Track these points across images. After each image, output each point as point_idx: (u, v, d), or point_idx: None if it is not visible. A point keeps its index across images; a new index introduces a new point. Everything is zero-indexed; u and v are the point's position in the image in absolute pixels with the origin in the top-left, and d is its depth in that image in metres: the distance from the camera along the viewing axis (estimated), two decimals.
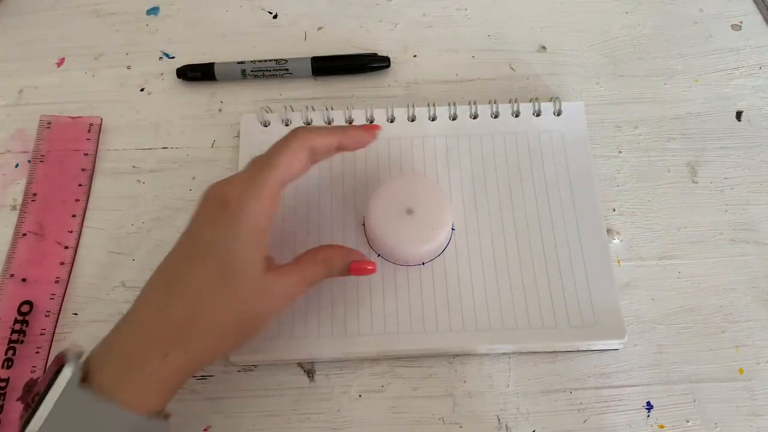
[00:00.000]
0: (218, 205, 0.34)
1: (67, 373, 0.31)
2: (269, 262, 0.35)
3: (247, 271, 0.34)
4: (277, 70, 0.49)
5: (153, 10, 0.54)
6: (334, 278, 0.39)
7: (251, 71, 0.49)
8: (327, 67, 0.50)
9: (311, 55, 0.50)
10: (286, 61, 0.49)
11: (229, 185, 0.35)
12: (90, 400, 0.31)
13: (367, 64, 0.50)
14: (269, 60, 0.49)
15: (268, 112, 0.47)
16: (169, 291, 0.34)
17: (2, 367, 0.41)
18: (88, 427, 0.31)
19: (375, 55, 0.50)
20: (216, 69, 0.50)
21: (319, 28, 0.53)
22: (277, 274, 0.35)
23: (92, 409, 0.31)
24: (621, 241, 0.45)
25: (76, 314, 0.43)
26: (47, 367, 0.33)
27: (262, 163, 0.35)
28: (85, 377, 0.32)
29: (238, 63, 0.50)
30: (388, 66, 0.50)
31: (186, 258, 0.35)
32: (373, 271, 0.39)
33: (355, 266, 0.38)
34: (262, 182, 0.34)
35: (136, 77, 0.51)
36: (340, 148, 0.38)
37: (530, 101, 0.47)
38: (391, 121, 0.47)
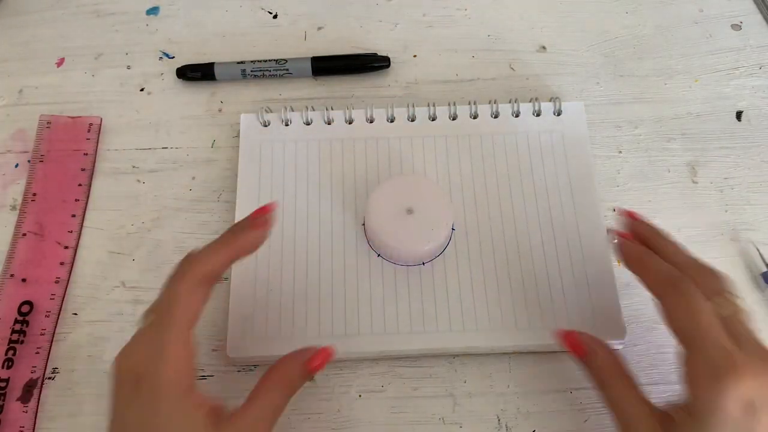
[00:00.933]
0: (131, 384, 0.30)
1: None
2: (215, 414, 0.31)
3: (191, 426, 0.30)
4: (277, 70, 0.49)
5: (153, 10, 0.54)
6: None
7: (251, 71, 0.49)
8: (327, 67, 0.50)
9: (311, 55, 0.50)
10: (286, 61, 0.49)
11: (135, 356, 0.31)
12: None
13: (367, 64, 0.50)
14: (269, 60, 0.49)
15: (268, 112, 0.47)
16: None
17: (2, 367, 0.41)
18: None
19: (375, 55, 0.50)
20: (216, 69, 0.50)
21: (319, 28, 0.53)
22: (228, 424, 0.31)
23: None
24: None
25: (76, 314, 0.43)
26: None
27: (159, 318, 0.32)
28: None
29: (238, 63, 0.50)
30: (388, 66, 0.50)
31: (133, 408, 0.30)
32: (333, 354, 0.36)
33: (313, 364, 0.35)
34: (165, 343, 0.30)
35: (136, 77, 0.51)
36: (236, 260, 0.35)
37: (530, 101, 0.47)
38: (391, 121, 0.47)
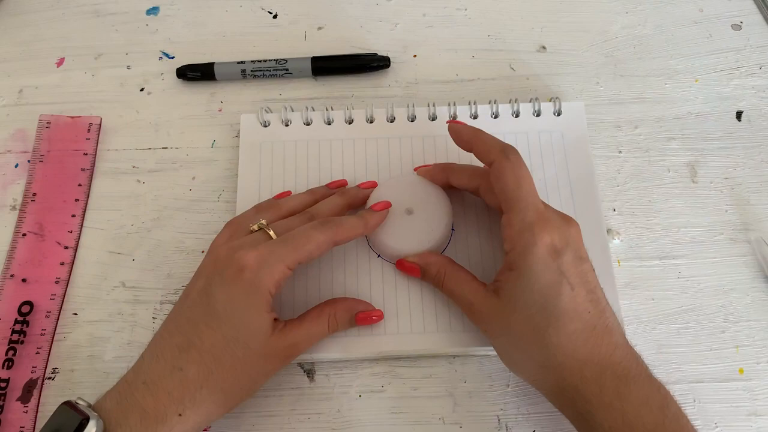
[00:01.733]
0: (234, 270, 0.35)
1: (92, 428, 0.32)
2: (275, 324, 0.37)
3: (258, 336, 0.35)
4: (276, 70, 0.49)
5: (153, 10, 0.54)
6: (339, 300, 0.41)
7: (251, 71, 0.49)
8: (327, 67, 0.50)
9: (311, 55, 0.50)
10: (285, 61, 0.49)
11: (246, 253, 0.36)
12: None
13: (367, 64, 0.50)
14: (269, 60, 0.49)
15: (268, 112, 0.47)
16: (184, 351, 0.35)
17: (2, 367, 0.41)
18: None
19: (375, 55, 0.50)
20: (216, 69, 0.50)
21: (319, 28, 0.53)
22: (282, 334, 0.37)
23: None
24: (621, 241, 0.45)
25: (75, 314, 0.43)
26: (52, 416, 0.33)
27: (287, 240, 0.36)
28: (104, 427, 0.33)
29: (238, 63, 0.50)
30: (388, 66, 0.50)
31: (200, 318, 0.35)
32: (379, 318, 0.40)
33: (361, 317, 0.40)
34: (280, 259, 0.36)
35: (136, 77, 0.51)
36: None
37: (530, 101, 0.47)
38: (391, 121, 0.47)
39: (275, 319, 0.37)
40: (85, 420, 0.32)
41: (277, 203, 0.41)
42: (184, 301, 0.37)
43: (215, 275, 0.36)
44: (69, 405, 0.33)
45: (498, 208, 0.37)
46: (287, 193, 0.43)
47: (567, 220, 0.36)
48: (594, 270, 0.36)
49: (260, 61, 0.50)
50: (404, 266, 0.41)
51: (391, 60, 0.51)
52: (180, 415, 0.33)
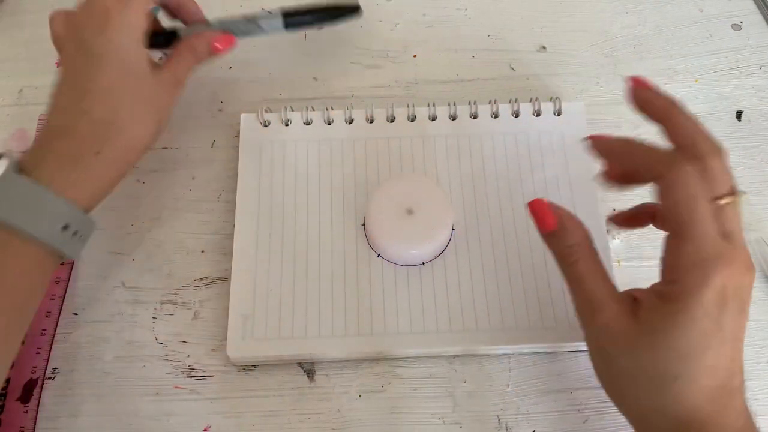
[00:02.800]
0: (100, 15, 0.38)
1: (3, 162, 0.35)
2: (151, 60, 0.40)
3: (142, 65, 0.39)
4: (247, 27, 0.46)
5: (153, 10, 0.54)
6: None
7: (221, 29, 0.46)
8: (299, 21, 0.46)
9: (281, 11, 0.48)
10: (256, 16, 0.46)
11: None
12: (28, 187, 0.34)
13: (336, 13, 0.47)
14: (238, 19, 0.46)
15: (268, 112, 0.47)
16: (84, 95, 0.37)
17: None
18: (26, 212, 0.34)
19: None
20: (182, 33, 0.46)
21: (319, 28, 0.53)
22: (161, 68, 0.41)
23: (30, 195, 0.34)
24: (621, 241, 0.45)
25: (75, 314, 0.43)
26: None
27: None
28: (20, 172, 0.35)
29: (207, 25, 0.46)
30: (358, 11, 0.47)
31: (85, 69, 0.38)
32: (232, 42, 0.44)
33: (215, 43, 0.43)
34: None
35: None
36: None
37: (530, 101, 0.47)
38: (391, 121, 0.47)
39: (150, 58, 0.40)
40: None
41: None
42: (60, 75, 0.39)
43: (82, 30, 0.38)
44: None
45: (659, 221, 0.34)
46: None
47: (747, 266, 0.30)
48: (747, 321, 0.31)
49: (229, 20, 0.46)
50: (538, 209, 0.34)
51: (392, 60, 0.51)
52: (97, 153, 0.36)
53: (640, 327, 0.31)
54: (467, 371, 0.41)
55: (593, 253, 0.33)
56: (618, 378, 0.33)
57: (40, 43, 0.52)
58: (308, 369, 0.41)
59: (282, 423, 0.40)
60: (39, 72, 0.51)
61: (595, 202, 0.44)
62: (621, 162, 0.34)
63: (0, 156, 0.34)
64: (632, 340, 0.31)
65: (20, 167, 0.35)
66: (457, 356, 0.41)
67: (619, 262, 0.44)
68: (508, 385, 0.41)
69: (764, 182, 0.46)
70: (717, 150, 0.31)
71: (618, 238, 0.45)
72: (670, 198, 0.30)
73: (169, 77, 0.41)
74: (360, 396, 0.40)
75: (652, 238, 0.44)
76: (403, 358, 0.41)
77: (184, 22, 0.45)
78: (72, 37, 0.39)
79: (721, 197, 0.30)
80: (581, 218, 0.43)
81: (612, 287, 0.33)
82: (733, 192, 0.30)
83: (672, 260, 0.30)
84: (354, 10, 0.47)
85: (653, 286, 0.32)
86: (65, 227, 0.35)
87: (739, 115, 0.49)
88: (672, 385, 0.30)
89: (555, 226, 0.33)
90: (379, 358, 0.41)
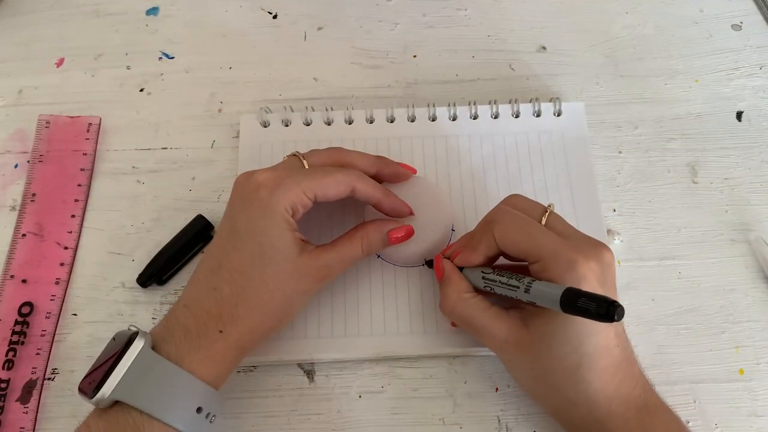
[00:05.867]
0: (251, 189, 0.36)
1: (139, 343, 0.33)
2: (304, 245, 0.37)
3: (284, 253, 0.36)
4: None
5: (153, 10, 0.54)
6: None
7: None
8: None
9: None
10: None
11: (263, 174, 0.37)
12: (162, 365, 0.33)
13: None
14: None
15: (268, 112, 0.47)
16: (216, 274, 0.36)
17: (3, 368, 0.41)
18: (161, 389, 0.33)
19: None
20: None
21: (319, 28, 0.53)
22: (312, 255, 0.37)
23: (164, 373, 0.33)
24: (621, 241, 0.45)
25: (75, 315, 0.43)
26: (105, 349, 0.35)
27: (307, 171, 0.38)
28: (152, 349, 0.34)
29: None
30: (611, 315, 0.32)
31: (226, 241, 0.37)
32: (410, 234, 0.40)
33: (393, 234, 0.40)
34: (296, 182, 0.36)
35: (135, 77, 0.51)
36: (375, 206, 0.40)
37: (530, 102, 0.47)
38: (391, 121, 0.47)
39: (304, 241, 0.37)
40: (134, 335, 0.34)
41: (318, 149, 0.41)
42: (216, 232, 0.39)
43: (235, 199, 0.37)
44: (120, 333, 0.35)
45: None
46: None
47: (597, 247, 0.35)
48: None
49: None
50: (435, 263, 0.40)
51: (391, 60, 0.51)
52: (220, 331, 0.35)
53: (533, 334, 0.35)
54: (467, 372, 0.41)
55: (468, 296, 0.37)
56: (531, 386, 0.37)
57: (40, 43, 0.53)
58: (308, 370, 0.41)
59: (282, 423, 0.40)
60: (39, 72, 0.51)
61: (595, 202, 0.44)
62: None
63: (135, 333, 0.34)
64: (529, 345, 0.35)
65: (153, 338, 0.35)
66: (457, 357, 0.41)
67: (619, 262, 0.44)
68: (508, 386, 0.41)
69: (764, 182, 0.46)
70: (512, 196, 0.38)
71: (618, 239, 0.45)
72: (514, 242, 0.36)
73: (320, 267, 0.37)
74: (360, 397, 0.40)
75: (652, 239, 0.45)
76: (403, 358, 0.41)
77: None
78: (230, 201, 0.38)
79: (540, 217, 0.36)
80: (582, 218, 0.44)
81: (497, 312, 0.36)
82: (545, 209, 0.37)
83: (544, 276, 0.34)
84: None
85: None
86: (198, 410, 0.34)
87: (739, 115, 0.49)
88: (576, 373, 0.34)
89: (441, 277, 0.39)
90: (379, 359, 0.41)
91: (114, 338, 0.35)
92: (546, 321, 0.34)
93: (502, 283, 0.36)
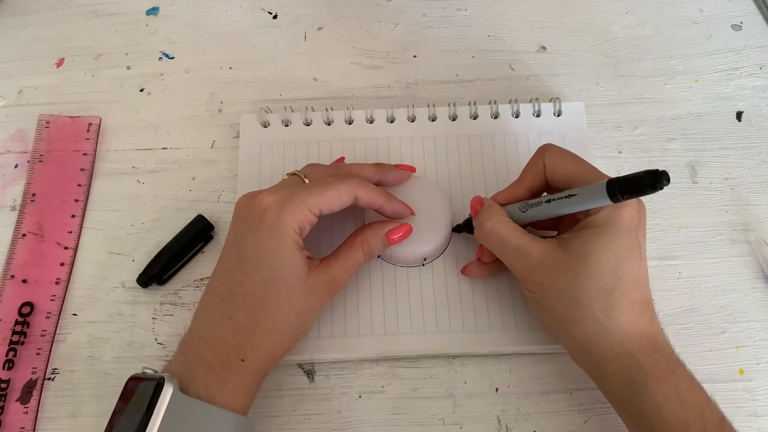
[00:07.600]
0: (257, 214, 0.36)
1: (168, 389, 0.32)
2: (311, 261, 0.38)
3: (294, 273, 0.36)
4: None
5: (152, 10, 0.54)
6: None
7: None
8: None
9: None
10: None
11: (266, 197, 0.37)
12: (197, 408, 0.33)
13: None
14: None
15: (268, 112, 0.47)
16: (229, 301, 0.36)
17: (3, 368, 0.41)
18: (201, 430, 0.33)
19: None
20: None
21: (319, 28, 0.53)
22: (320, 270, 0.37)
23: (200, 415, 0.33)
24: None
25: (75, 315, 0.43)
26: (120, 398, 0.34)
27: (309, 187, 0.37)
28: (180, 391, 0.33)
29: None
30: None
31: (235, 267, 0.36)
32: (409, 232, 0.40)
33: (392, 236, 0.40)
34: (301, 200, 0.36)
35: (135, 77, 0.51)
36: (378, 210, 0.40)
37: (530, 102, 0.47)
38: (391, 121, 0.47)
39: (309, 258, 0.37)
40: (161, 381, 0.33)
41: (316, 163, 0.42)
42: (221, 256, 0.38)
43: (241, 223, 0.37)
44: (136, 379, 0.34)
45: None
46: (341, 159, 0.45)
47: (640, 200, 0.36)
48: None
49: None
50: (473, 203, 0.40)
51: (392, 60, 0.51)
52: (243, 360, 0.35)
53: (570, 254, 0.35)
54: (467, 372, 0.41)
55: (507, 219, 0.38)
56: (561, 307, 0.36)
57: (39, 43, 0.53)
58: (308, 370, 0.41)
59: (282, 424, 0.40)
60: (39, 72, 0.51)
61: None
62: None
63: (162, 380, 0.33)
64: (566, 265, 0.35)
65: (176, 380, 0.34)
66: (457, 357, 0.41)
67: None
68: (508, 386, 0.41)
69: (764, 182, 0.46)
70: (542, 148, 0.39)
71: None
72: (558, 167, 0.37)
73: (327, 280, 0.37)
74: (360, 397, 0.40)
75: (652, 239, 0.45)
76: (403, 358, 0.41)
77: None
78: (234, 225, 0.38)
79: None
80: None
81: (533, 236, 0.37)
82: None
83: (582, 214, 0.36)
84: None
85: (572, 230, 0.36)
86: None
87: (739, 115, 0.49)
88: (611, 296, 0.34)
89: (477, 207, 0.40)
90: (379, 359, 0.41)
91: (128, 385, 0.34)
92: (585, 240, 0.35)
93: (544, 202, 0.37)
